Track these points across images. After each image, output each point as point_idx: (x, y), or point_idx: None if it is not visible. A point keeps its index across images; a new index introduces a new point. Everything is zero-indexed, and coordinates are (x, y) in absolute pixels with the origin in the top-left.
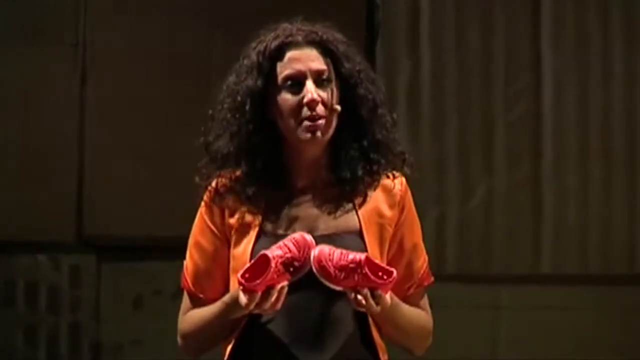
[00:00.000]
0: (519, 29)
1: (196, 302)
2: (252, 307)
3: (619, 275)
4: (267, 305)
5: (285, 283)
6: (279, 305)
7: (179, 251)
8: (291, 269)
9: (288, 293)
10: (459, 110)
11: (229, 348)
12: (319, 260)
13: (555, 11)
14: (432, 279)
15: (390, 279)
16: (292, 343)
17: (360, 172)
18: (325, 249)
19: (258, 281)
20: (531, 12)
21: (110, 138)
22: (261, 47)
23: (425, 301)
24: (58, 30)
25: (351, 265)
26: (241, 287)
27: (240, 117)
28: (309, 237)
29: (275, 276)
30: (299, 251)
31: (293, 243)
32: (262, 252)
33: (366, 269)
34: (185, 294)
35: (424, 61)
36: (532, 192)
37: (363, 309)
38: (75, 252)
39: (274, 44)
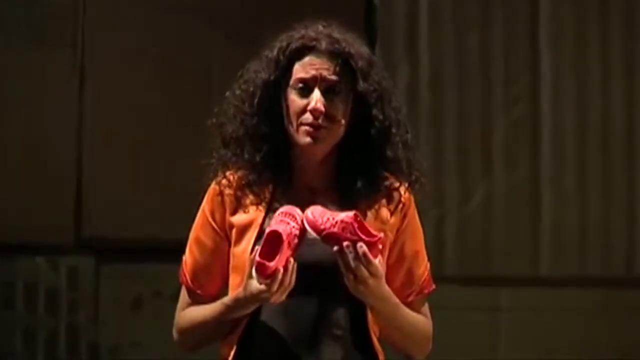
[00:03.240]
0: (518, 31)
1: (194, 298)
2: (274, 288)
3: (618, 277)
4: (287, 281)
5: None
6: (293, 280)
7: (178, 253)
8: (295, 241)
9: (286, 297)
10: (457, 111)
11: (231, 355)
12: (311, 218)
13: (553, 12)
14: (433, 286)
15: (376, 239)
16: (291, 348)
17: (361, 184)
18: (317, 208)
19: (278, 258)
20: (530, 13)
21: (109, 140)
22: (284, 44)
23: (426, 309)
24: (57, 32)
25: (340, 220)
26: (262, 271)
27: (249, 107)
28: (296, 208)
29: (288, 250)
30: (295, 221)
31: (287, 215)
32: (267, 230)
33: (355, 223)
34: (183, 288)
35: (422, 63)
36: (531, 193)
37: (353, 279)
38: (73, 254)
39: (296, 44)
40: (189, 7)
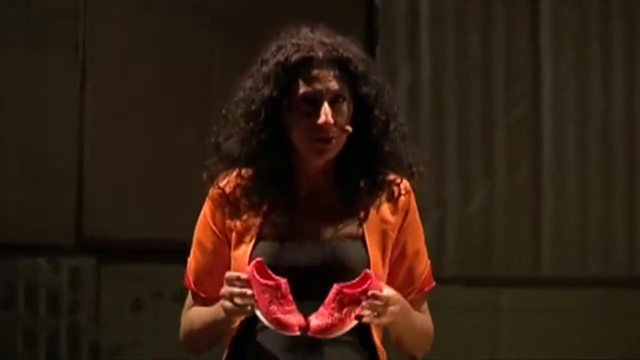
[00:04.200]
0: (519, 33)
1: (198, 301)
2: (235, 291)
3: (618, 278)
4: (240, 294)
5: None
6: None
7: (179, 253)
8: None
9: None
10: (458, 113)
11: (225, 353)
12: (317, 327)
13: (554, 15)
14: (433, 283)
15: (368, 282)
16: (290, 348)
17: (363, 183)
18: (312, 319)
19: (254, 276)
20: (530, 14)
21: (110, 140)
22: (281, 58)
23: (425, 306)
24: (57, 32)
25: (333, 305)
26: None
27: (254, 125)
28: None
29: (260, 292)
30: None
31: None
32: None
33: (343, 289)
34: (189, 291)
35: (423, 65)
36: (531, 194)
37: (382, 320)
38: (74, 254)
39: (295, 57)
40: (189, 7)
